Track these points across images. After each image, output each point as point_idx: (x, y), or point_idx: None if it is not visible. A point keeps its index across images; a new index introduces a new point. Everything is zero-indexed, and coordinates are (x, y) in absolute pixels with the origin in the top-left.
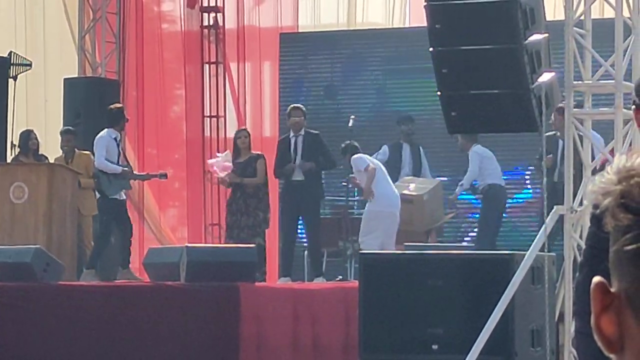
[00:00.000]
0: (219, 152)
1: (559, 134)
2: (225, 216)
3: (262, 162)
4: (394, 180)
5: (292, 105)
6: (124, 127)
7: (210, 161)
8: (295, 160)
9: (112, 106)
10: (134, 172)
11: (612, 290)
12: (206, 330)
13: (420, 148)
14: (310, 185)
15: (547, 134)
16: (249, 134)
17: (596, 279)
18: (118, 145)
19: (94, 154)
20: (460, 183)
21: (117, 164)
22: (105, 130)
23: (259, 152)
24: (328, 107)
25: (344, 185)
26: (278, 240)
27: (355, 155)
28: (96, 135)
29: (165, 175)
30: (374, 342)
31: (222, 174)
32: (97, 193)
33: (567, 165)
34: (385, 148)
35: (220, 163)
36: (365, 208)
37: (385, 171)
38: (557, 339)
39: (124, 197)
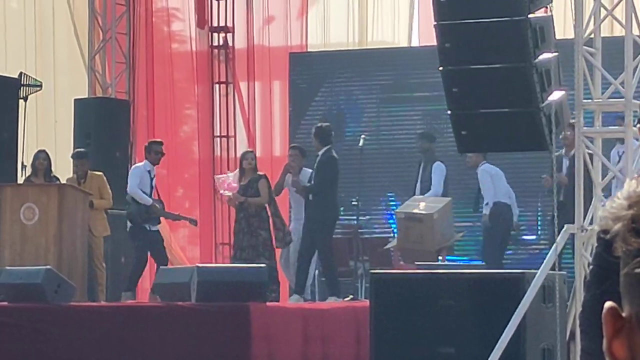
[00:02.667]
0: (229, 170)
1: (563, 152)
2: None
3: (264, 182)
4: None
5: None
6: (158, 162)
7: (217, 177)
8: (310, 180)
9: (152, 140)
10: (164, 209)
11: (624, 314)
12: (217, 350)
13: (435, 164)
14: (320, 206)
15: (557, 152)
16: (256, 156)
17: (608, 304)
18: (152, 179)
19: (106, 175)
20: (485, 203)
21: (150, 196)
22: (144, 162)
23: (261, 173)
24: (338, 127)
25: (354, 205)
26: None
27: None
28: (107, 155)
29: (196, 222)
30: None
31: (227, 192)
32: (128, 221)
33: (578, 184)
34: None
35: (228, 181)
36: None
37: None
38: (569, 358)
39: (155, 228)
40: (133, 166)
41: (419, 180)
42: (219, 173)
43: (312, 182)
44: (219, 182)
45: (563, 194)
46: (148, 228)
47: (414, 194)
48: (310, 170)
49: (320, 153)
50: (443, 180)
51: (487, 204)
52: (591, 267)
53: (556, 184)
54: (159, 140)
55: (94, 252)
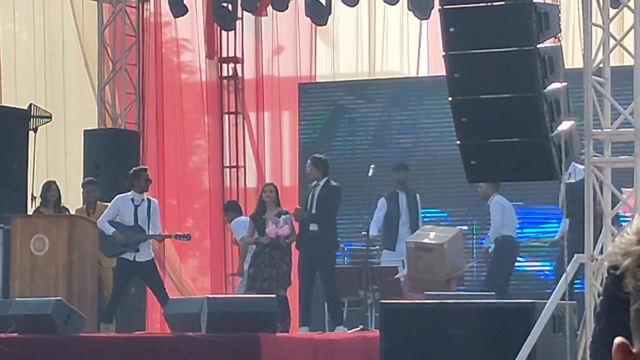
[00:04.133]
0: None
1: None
2: (247, 268)
3: (291, 220)
4: (394, 229)
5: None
6: (144, 188)
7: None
8: (311, 210)
9: (137, 167)
10: (146, 233)
11: (634, 350)
12: None
13: (417, 195)
14: (323, 235)
15: (568, 180)
16: (275, 189)
17: (618, 339)
18: (136, 207)
19: None
20: (488, 237)
21: (133, 224)
22: (130, 192)
23: (285, 209)
24: (347, 157)
25: (364, 234)
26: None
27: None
28: (117, 186)
29: (189, 237)
30: None
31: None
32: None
33: (587, 214)
34: (382, 201)
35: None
36: None
37: None
38: None
39: (137, 258)
40: (117, 196)
41: (404, 212)
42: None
43: (316, 211)
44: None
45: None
46: (132, 259)
47: (398, 226)
48: (246, 218)
49: (321, 183)
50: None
51: (490, 242)
52: (601, 297)
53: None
54: (144, 167)
55: (103, 283)
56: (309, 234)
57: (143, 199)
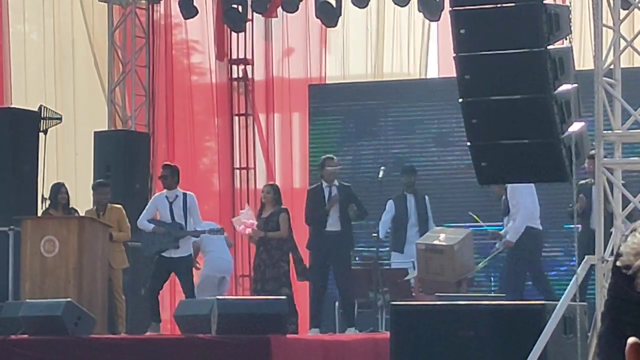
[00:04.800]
0: (241, 208)
1: (592, 181)
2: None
3: (285, 216)
4: (402, 231)
5: (326, 156)
6: (165, 185)
7: (234, 220)
8: (330, 211)
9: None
10: (184, 228)
11: None
12: None
13: (426, 197)
14: (343, 235)
15: (581, 182)
16: (273, 189)
17: (631, 340)
18: (171, 204)
19: (125, 207)
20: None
21: (170, 221)
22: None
23: (282, 207)
24: (357, 159)
25: (374, 236)
26: (309, 291)
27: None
28: (127, 187)
29: (222, 231)
30: None
31: (247, 231)
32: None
33: (598, 215)
34: (390, 203)
35: (242, 220)
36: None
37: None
38: None
39: (175, 254)
40: (155, 195)
41: (413, 214)
42: (239, 205)
43: (342, 211)
44: (237, 224)
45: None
46: (169, 255)
47: (406, 229)
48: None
49: (337, 184)
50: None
51: (505, 241)
52: (607, 298)
53: (575, 210)
54: (165, 163)
55: (114, 285)
56: (327, 235)
57: (177, 195)
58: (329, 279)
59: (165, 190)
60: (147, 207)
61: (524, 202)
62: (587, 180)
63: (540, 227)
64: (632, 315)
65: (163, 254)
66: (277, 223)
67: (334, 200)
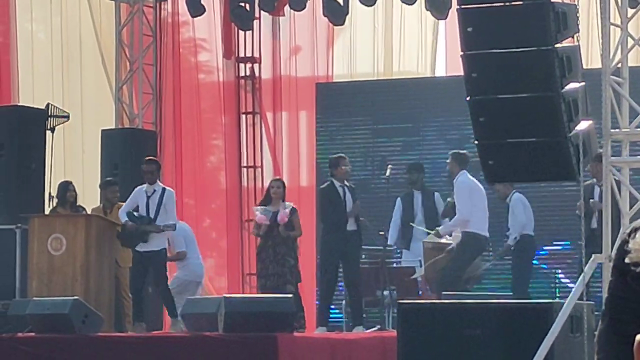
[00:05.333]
0: (248, 206)
1: (594, 181)
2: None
3: (297, 215)
4: (409, 229)
5: (338, 155)
6: (148, 180)
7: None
8: (346, 210)
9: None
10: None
11: None
12: None
13: (436, 194)
14: (357, 234)
15: (586, 182)
16: (283, 184)
17: (639, 337)
18: (148, 198)
19: None
20: (512, 236)
21: (145, 215)
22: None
23: (291, 204)
24: (364, 157)
25: (382, 234)
26: (316, 289)
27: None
28: (134, 185)
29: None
30: None
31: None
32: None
33: (605, 213)
34: (398, 201)
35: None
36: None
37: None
38: None
39: (150, 248)
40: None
41: (419, 212)
42: (246, 203)
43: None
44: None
45: (596, 222)
46: (141, 250)
47: (413, 227)
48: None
49: (347, 184)
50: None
51: (515, 238)
52: (607, 296)
53: (586, 211)
54: (148, 158)
55: (121, 283)
56: (346, 234)
57: (155, 190)
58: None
59: (146, 185)
60: (127, 199)
61: (518, 215)
62: (589, 180)
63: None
64: (632, 314)
65: (137, 249)
66: (292, 222)
67: (357, 208)
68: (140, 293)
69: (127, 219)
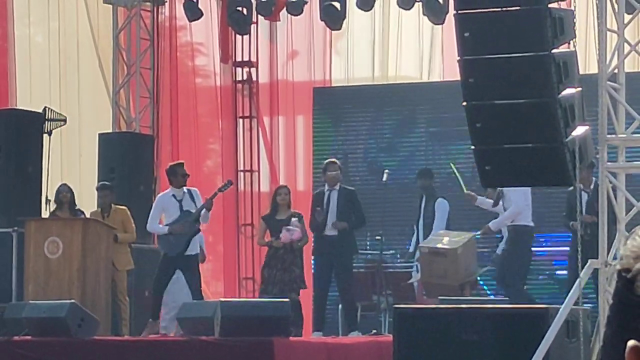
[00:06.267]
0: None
1: (581, 186)
2: (260, 271)
3: (303, 222)
4: (410, 232)
5: (328, 160)
6: (182, 183)
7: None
8: (328, 214)
9: (173, 163)
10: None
11: None
12: None
13: (438, 200)
14: (342, 240)
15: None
16: (290, 191)
17: (631, 342)
18: (180, 201)
19: (130, 209)
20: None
21: (179, 220)
22: (169, 189)
23: (297, 211)
24: (361, 162)
25: (378, 239)
26: (312, 295)
27: None
28: (131, 189)
29: (230, 183)
30: None
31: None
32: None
33: (602, 219)
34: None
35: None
36: None
37: None
38: None
39: (185, 252)
40: (158, 196)
41: (421, 217)
42: (242, 207)
43: (339, 215)
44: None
45: (583, 229)
46: (192, 252)
47: (416, 231)
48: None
49: (337, 188)
50: (446, 217)
51: (500, 222)
52: (612, 302)
53: (579, 219)
54: (180, 162)
55: (117, 286)
56: (327, 239)
57: (184, 192)
58: (331, 283)
59: (169, 190)
60: (152, 210)
61: (516, 199)
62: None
63: (532, 224)
64: (636, 320)
65: (169, 253)
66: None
67: (341, 225)
68: (162, 295)
69: (166, 227)
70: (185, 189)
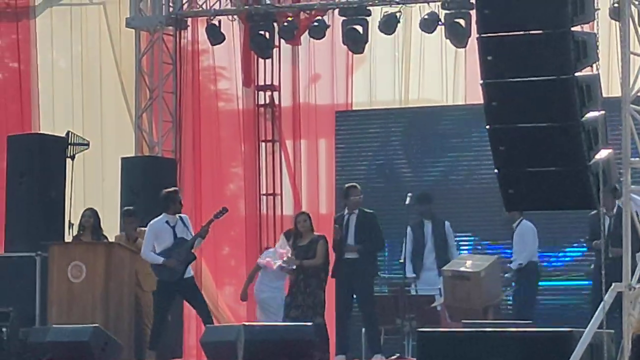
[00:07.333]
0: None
1: (604, 211)
2: (285, 296)
3: (323, 243)
4: (419, 257)
5: (349, 185)
6: (178, 210)
7: (261, 262)
8: (347, 238)
9: (164, 191)
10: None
11: None
12: None
13: (446, 223)
14: (363, 262)
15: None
16: (309, 217)
17: None
18: (173, 228)
19: None
20: (517, 262)
21: (174, 248)
22: (161, 215)
23: (320, 234)
24: (383, 185)
25: (401, 263)
26: (335, 318)
27: None
28: (154, 213)
29: (226, 210)
30: None
31: (279, 262)
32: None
33: (626, 243)
34: (408, 230)
35: (279, 250)
36: None
37: None
38: None
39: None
40: (150, 223)
41: (429, 239)
42: (265, 231)
43: (357, 239)
44: (270, 262)
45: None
46: (187, 274)
47: (423, 255)
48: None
49: (356, 211)
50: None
51: (520, 264)
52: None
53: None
54: (170, 190)
55: (143, 309)
56: (347, 262)
57: (177, 220)
58: (353, 306)
59: (162, 216)
60: (146, 238)
61: (530, 241)
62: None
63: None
64: None
65: (165, 278)
66: (315, 250)
67: (353, 249)
68: (164, 322)
69: (162, 258)
70: (177, 215)
